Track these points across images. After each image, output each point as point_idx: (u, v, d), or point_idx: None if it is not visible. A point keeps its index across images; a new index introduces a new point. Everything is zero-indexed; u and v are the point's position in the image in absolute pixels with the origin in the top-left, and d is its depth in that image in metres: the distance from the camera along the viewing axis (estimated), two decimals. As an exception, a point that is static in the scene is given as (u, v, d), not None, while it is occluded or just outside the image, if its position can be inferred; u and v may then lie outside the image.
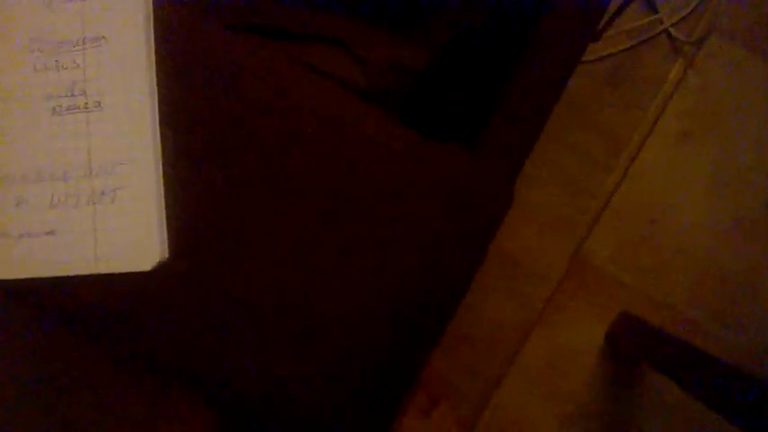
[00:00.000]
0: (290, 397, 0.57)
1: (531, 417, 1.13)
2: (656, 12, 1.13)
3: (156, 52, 0.54)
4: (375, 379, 0.58)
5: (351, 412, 0.59)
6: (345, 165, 0.57)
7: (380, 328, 0.58)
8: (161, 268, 0.54)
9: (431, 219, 0.57)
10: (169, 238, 0.54)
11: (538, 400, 1.14)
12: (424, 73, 0.74)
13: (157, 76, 0.54)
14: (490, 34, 0.77)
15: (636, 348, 1.12)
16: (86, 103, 0.53)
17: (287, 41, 0.70)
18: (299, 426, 0.59)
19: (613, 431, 1.14)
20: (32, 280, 0.54)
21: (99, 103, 0.53)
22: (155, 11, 0.54)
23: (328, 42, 0.71)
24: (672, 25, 1.13)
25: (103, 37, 0.53)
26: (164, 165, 0.54)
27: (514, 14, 0.74)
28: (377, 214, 0.57)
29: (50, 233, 0.54)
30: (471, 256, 0.57)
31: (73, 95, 0.53)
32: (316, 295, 0.57)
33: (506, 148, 0.57)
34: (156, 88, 0.54)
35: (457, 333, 1.12)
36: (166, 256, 0.54)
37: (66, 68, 0.53)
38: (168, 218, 0.54)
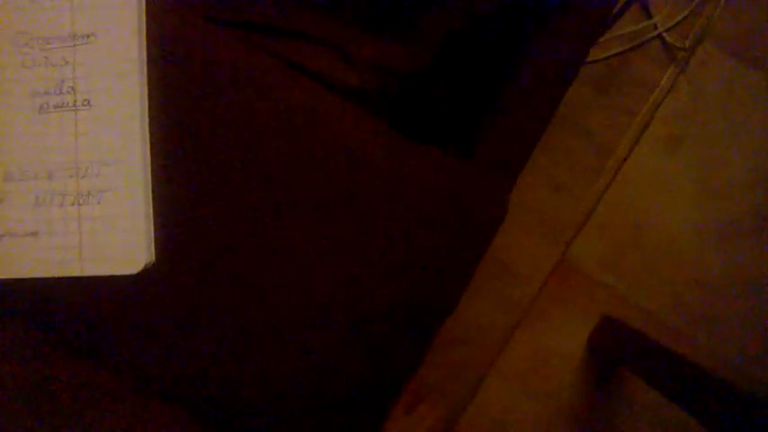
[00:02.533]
0: (281, 404, 0.56)
1: (513, 417, 1.13)
2: (650, 17, 1.12)
3: (148, 51, 0.52)
4: (360, 387, 0.58)
5: (338, 419, 0.58)
6: (335, 170, 0.56)
7: (370, 336, 0.57)
8: (147, 272, 0.52)
9: (424, 228, 0.56)
10: (156, 242, 0.53)
11: (520, 401, 1.14)
12: (415, 75, 0.74)
13: (149, 75, 0.53)
14: (483, 36, 0.76)
15: (618, 352, 1.12)
16: (75, 101, 0.52)
17: (278, 39, 0.69)
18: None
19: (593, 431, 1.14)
20: (14, 281, 0.53)
21: (88, 101, 0.52)
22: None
23: (319, 42, 0.70)
24: (665, 31, 1.12)
25: (94, 33, 0.52)
26: (152, 167, 0.53)
27: (508, 17, 0.73)
28: (368, 221, 0.56)
29: (33, 234, 0.52)
30: (464, 268, 0.57)
31: (61, 93, 0.52)
32: (305, 302, 0.56)
33: (505, 156, 0.57)
34: (146, 88, 0.52)
35: (440, 333, 1.12)
36: (153, 259, 0.53)
37: (56, 65, 0.52)
38: (156, 221, 0.53)
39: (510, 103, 0.59)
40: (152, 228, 0.53)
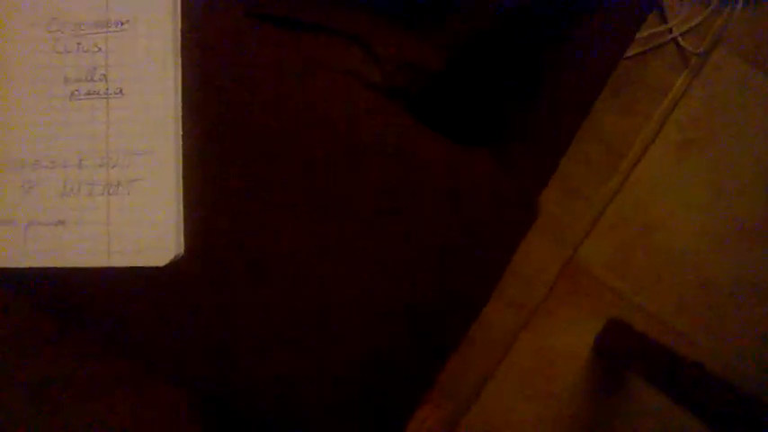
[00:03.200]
0: (303, 401, 0.56)
1: (516, 418, 1.13)
2: (666, 21, 1.12)
3: (182, 41, 0.52)
4: (388, 383, 0.57)
5: (361, 417, 0.57)
6: (367, 167, 0.55)
7: (396, 332, 0.56)
8: (175, 266, 0.52)
9: (455, 226, 0.55)
10: (185, 235, 0.52)
11: (523, 402, 1.14)
12: (441, 73, 0.73)
13: (182, 65, 0.52)
14: (511, 36, 0.76)
15: (623, 355, 1.12)
16: (107, 89, 0.51)
17: (305, 34, 0.68)
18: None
19: (596, 434, 1.14)
20: (39, 270, 0.52)
21: (120, 90, 0.51)
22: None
23: (346, 37, 0.69)
24: (680, 35, 1.12)
25: (128, 21, 0.51)
26: (184, 158, 0.52)
27: (537, 18, 0.73)
28: (399, 218, 0.55)
29: (61, 223, 0.51)
30: (493, 266, 0.56)
31: (93, 80, 0.51)
32: (332, 299, 0.55)
33: (538, 157, 0.56)
34: (180, 77, 0.51)
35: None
36: (182, 252, 0.52)
37: (88, 52, 0.51)
38: (186, 214, 0.52)
39: (544, 107, 0.58)
40: (182, 220, 0.52)
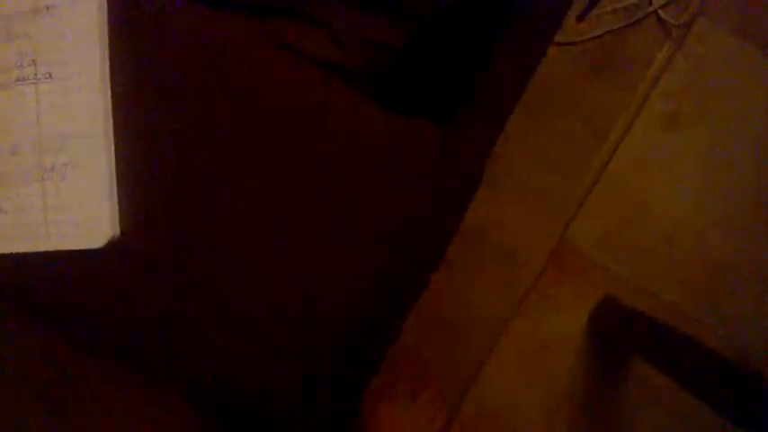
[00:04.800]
0: (256, 378, 0.56)
1: (515, 401, 1.12)
2: (645, -7, 1.11)
3: (111, 23, 0.52)
4: (344, 354, 0.57)
5: (319, 391, 0.57)
6: (318, 144, 0.55)
7: (347, 304, 0.56)
8: (113, 246, 0.52)
9: (402, 193, 0.55)
10: (121, 216, 0.53)
11: (521, 385, 1.13)
12: (402, 50, 0.73)
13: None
14: (469, 11, 0.75)
15: (618, 332, 1.11)
16: (36, 74, 0.51)
17: (267, 17, 0.68)
18: (268, 407, 0.57)
19: (595, 414, 1.13)
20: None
21: (50, 74, 0.51)
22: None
23: (308, 19, 0.70)
24: (660, 7, 1.11)
25: (55, 5, 0.51)
26: (116, 140, 0.52)
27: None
28: (347, 191, 0.55)
29: (-1, 210, 0.52)
30: (442, 231, 0.56)
31: (22, 66, 0.51)
32: (280, 271, 0.55)
33: (479, 123, 0.56)
34: (107, 59, 0.52)
35: (442, 319, 1.11)
36: (118, 233, 0.52)
37: (17, 38, 0.51)
38: (121, 194, 0.52)
39: (486, 79, 0.58)
40: (116, 202, 0.52)
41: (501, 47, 0.59)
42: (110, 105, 0.52)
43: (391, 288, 0.57)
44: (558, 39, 1.09)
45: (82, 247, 0.51)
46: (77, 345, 0.56)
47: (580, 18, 1.08)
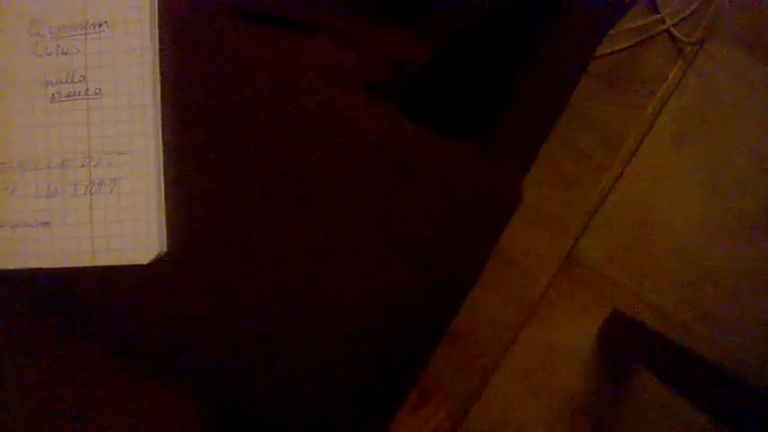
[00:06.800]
0: (290, 393, 0.56)
1: (520, 412, 1.13)
2: (658, 12, 1.12)
3: (161, 40, 0.52)
4: (375, 375, 0.58)
5: (349, 409, 0.58)
6: (351, 161, 0.56)
7: (386, 319, 0.57)
8: (159, 262, 0.52)
9: (441, 213, 0.56)
10: (169, 232, 0.53)
11: (527, 396, 1.13)
12: (428, 67, 0.73)
13: (161, 64, 0.52)
14: (496, 29, 0.76)
15: (626, 346, 1.12)
16: (87, 90, 0.52)
17: (294, 32, 0.69)
18: (297, 422, 0.58)
19: (601, 427, 1.14)
20: (28, 271, 0.52)
21: (100, 90, 0.52)
22: (159, -4, 0.53)
23: (335, 34, 0.70)
24: (673, 25, 1.12)
25: (106, 22, 0.52)
26: (165, 156, 0.52)
27: (521, 9, 0.73)
28: (384, 209, 0.56)
29: (46, 224, 0.52)
30: (478, 253, 0.56)
31: (73, 82, 0.52)
32: (320, 293, 0.55)
33: (516, 143, 0.57)
34: (158, 76, 0.52)
35: (448, 330, 1.11)
36: (165, 249, 0.53)
37: (67, 54, 0.52)
38: (168, 211, 0.53)
39: (524, 96, 0.59)
40: (164, 218, 0.53)
41: (543, 61, 0.60)
42: (159, 123, 0.52)
43: (428, 308, 0.57)
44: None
45: (128, 263, 0.52)
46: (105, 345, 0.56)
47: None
